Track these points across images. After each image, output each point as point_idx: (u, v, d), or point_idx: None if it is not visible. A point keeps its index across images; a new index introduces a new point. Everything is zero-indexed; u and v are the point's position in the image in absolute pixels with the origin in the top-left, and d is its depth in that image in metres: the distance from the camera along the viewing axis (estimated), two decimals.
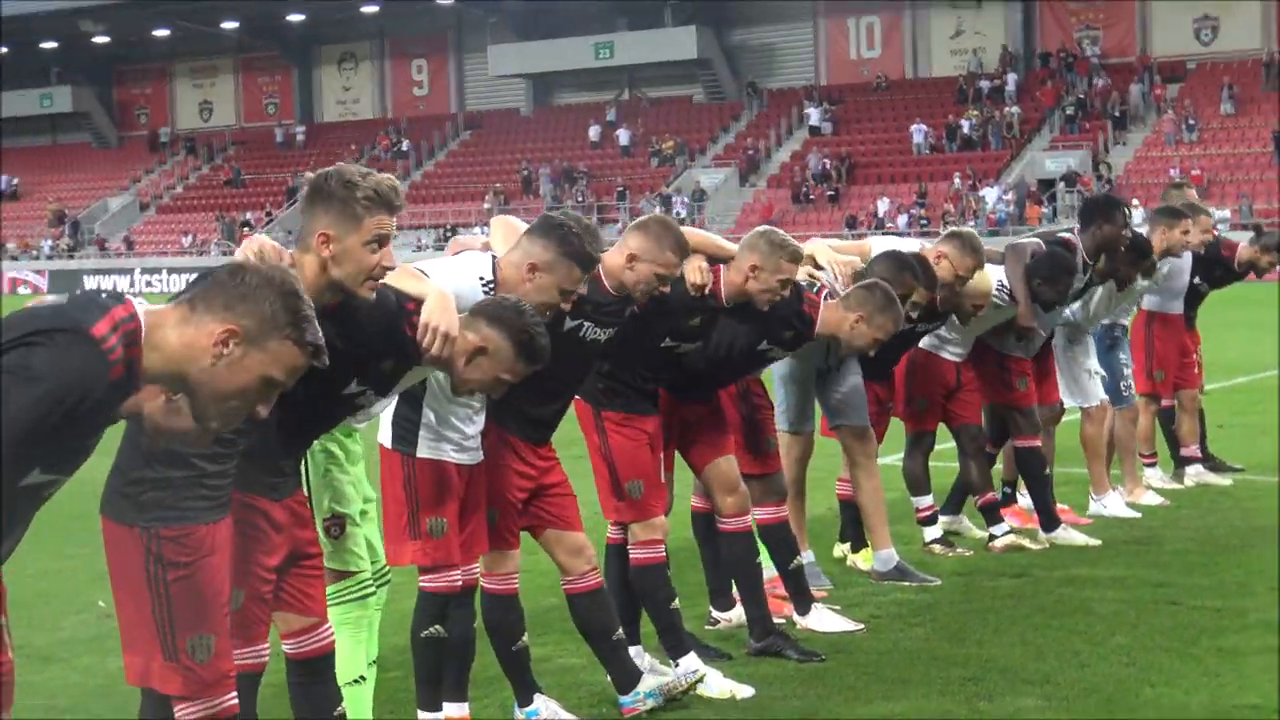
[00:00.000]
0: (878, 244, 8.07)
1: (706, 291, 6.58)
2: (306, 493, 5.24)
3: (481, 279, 5.51)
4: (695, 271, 6.52)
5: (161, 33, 57.41)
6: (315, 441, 5.33)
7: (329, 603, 5.24)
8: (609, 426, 6.59)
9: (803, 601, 7.42)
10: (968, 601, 7.72)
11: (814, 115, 53.84)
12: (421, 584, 5.83)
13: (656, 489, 6.66)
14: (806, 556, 8.07)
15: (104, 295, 3.58)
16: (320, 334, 3.74)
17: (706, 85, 55.05)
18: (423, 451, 5.77)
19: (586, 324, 6.12)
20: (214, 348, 3.60)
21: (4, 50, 58.75)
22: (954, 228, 8.88)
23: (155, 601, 4.43)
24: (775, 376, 8.18)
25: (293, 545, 4.96)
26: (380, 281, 4.77)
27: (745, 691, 6.35)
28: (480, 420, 5.93)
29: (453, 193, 56.52)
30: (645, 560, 6.57)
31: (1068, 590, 7.86)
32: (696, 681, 6.33)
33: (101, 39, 56.37)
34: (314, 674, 5.08)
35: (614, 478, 6.57)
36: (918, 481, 8.99)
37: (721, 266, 6.68)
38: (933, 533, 8.94)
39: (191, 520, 4.47)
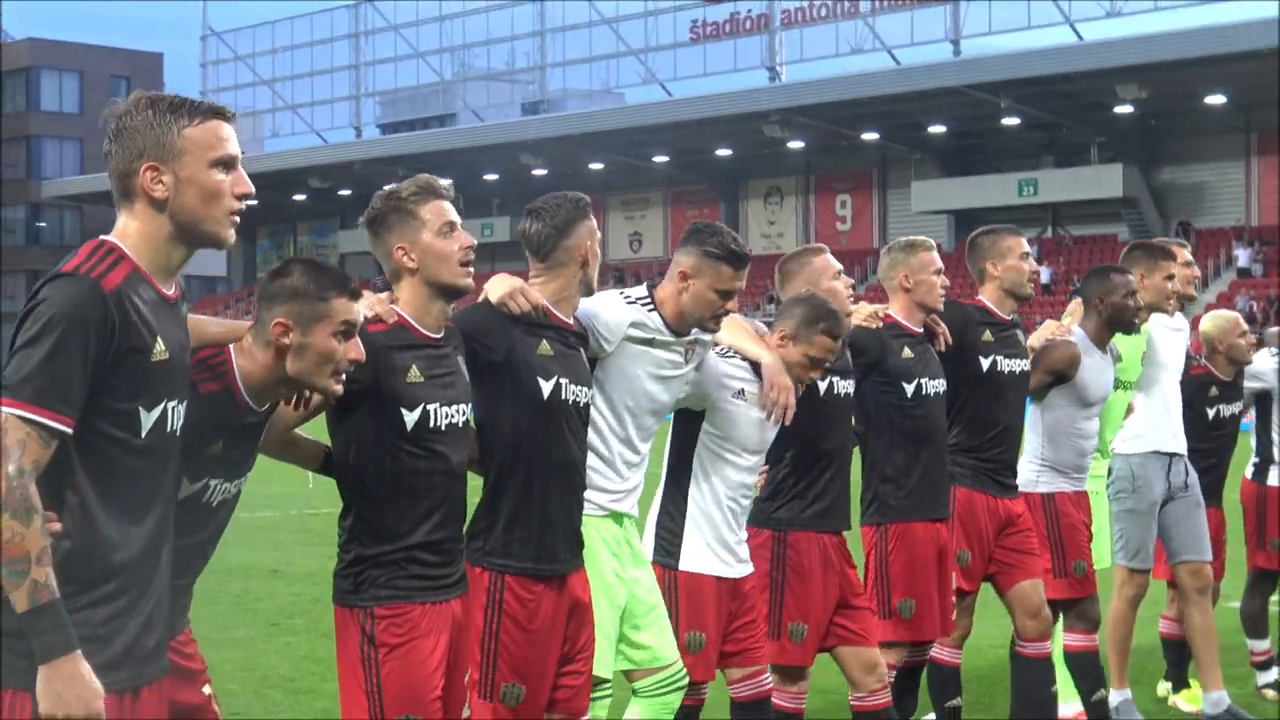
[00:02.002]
0: None
1: (883, 322, 6.65)
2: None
3: (626, 297, 5.59)
4: (864, 316, 6.67)
5: (596, 166, 59.65)
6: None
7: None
8: (891, 543, 6.60)
9: None
10: None
11: (1243, 256, 52.00)
12: None
13: (931, 608, 6.60)
14: (1124, 694, 7.88)
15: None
16: (201, 100, 3.77)
17: (1132, 224, 53.79)
18: (685, 564, 5.88)
19: (833, 379, 6.22)
20: (153, 193, 3.65)
21: (457, 185, 61.84)
22: None
23: (368, 682, 4.52)
24: (1114, 510, 8.00)
25: (570, 633, 5.12)
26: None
27: None
28: (743, 532, 5.99)
29: None
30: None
31: None
32: None
33: (539, 171, 58.94)
34: None
35: (884, 594, 6.53)
36: (1256, 624, 8.65)
37: (889, 310, 6.81)
38: (1266, 677, 8.57)
39: (405, 599, 4.57)
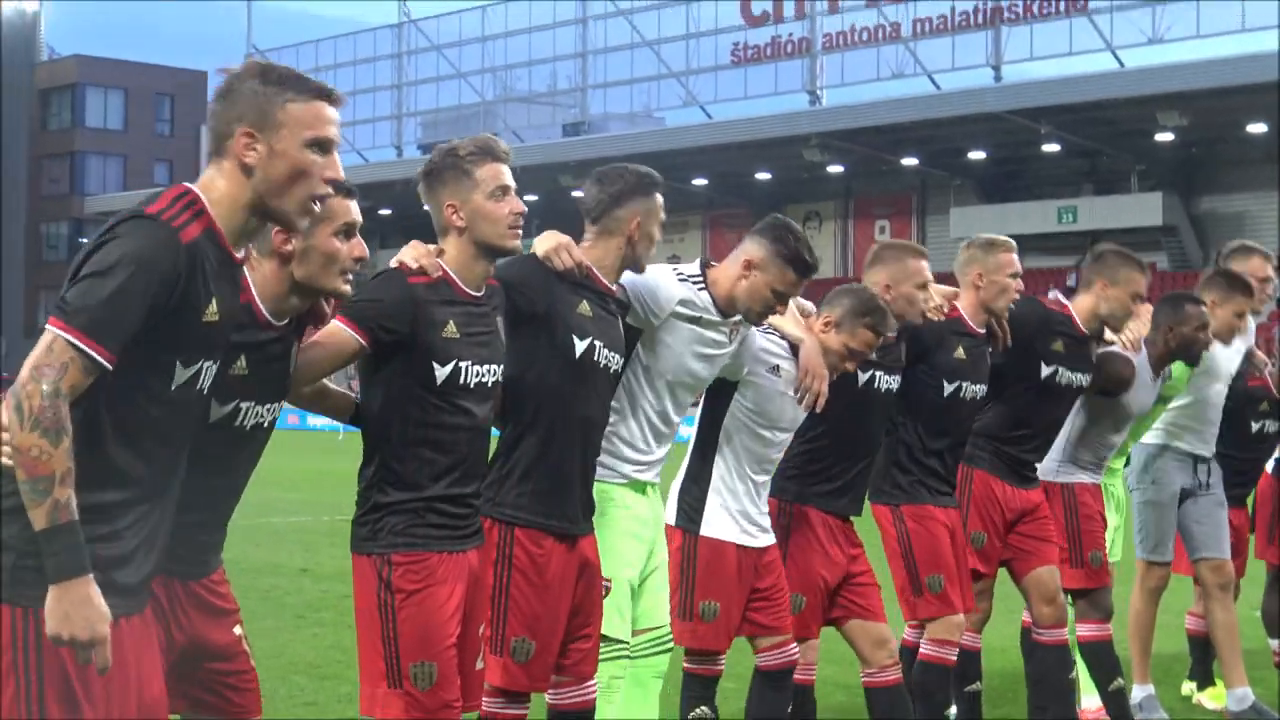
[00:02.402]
0: None
1: (946, 314, 6.58)
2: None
3: (679, 273, 5.62)
4: (932, 303, 6.56)
5: None
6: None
7: None
8: (909, 523, 6.62)
9: None
10: None
11: None
12: (685, 665, 5.92)
13: (955, 584, 6.63)
14: (1147, 690, 7.87)
15: (163, 186, 3.76)
16: (314, 79, 3.77)
17: (1171, 252, 53.66)
18: (706, 530, 5.91)
19: (877, 373, 6.22)
20: (244, 158, 3.68)
21: None
22: None
23: (384, 628, 4.58)
24: (1135, 502, 8.02)
25: (579, 596, 5.16)
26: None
27: None
28: (765, 502, 6.02)
29: None
30: (933, 659, 6.53)
31: None
32: None
33: (579, 193, 58.90)
34: None
35: (913, 573, 6.57)
36: (1275, 623, 8.63)
37: (957, 304, 6.71)
38: None
39: (423, 548, 4.62)
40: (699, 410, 6.06)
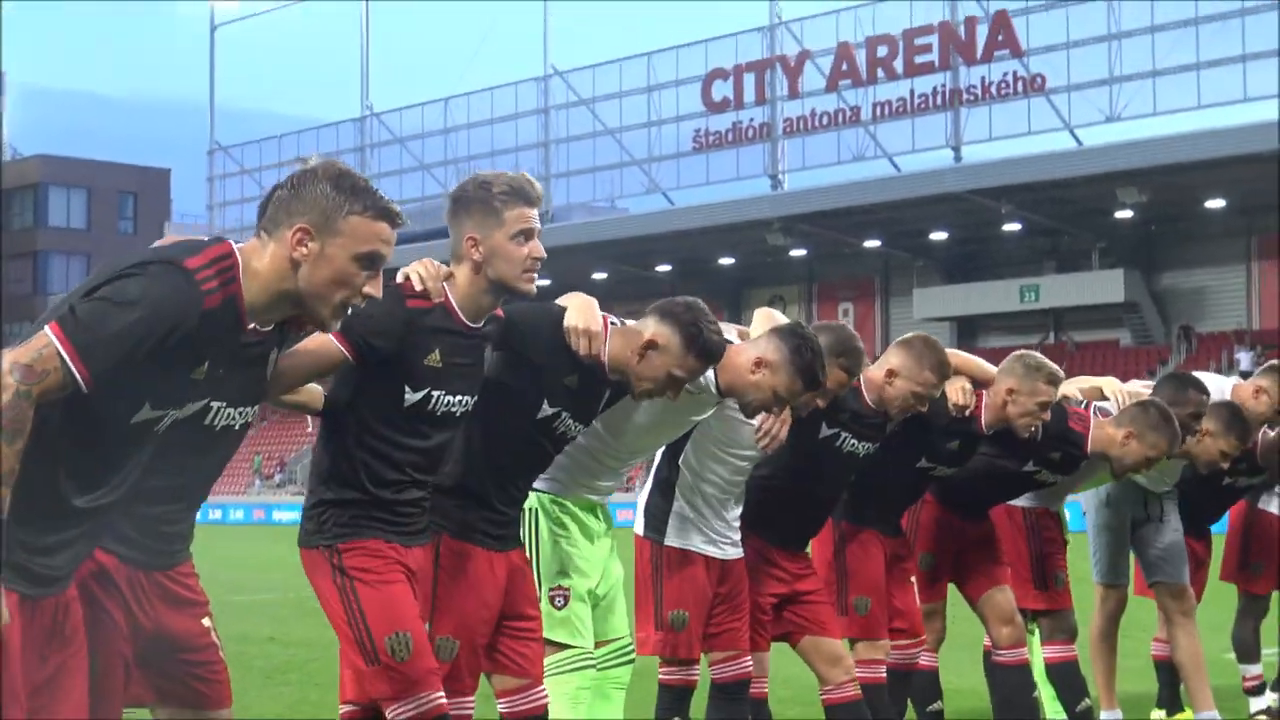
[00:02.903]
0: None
1: (968, 413, 6.62)
2: (530, 555, 5.38)
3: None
4: (958, 392, 6.61)
5: (600, 275, 59.98)
6: (544, 512, 5.48)
7: (547, 673, 5.28)
8: (847, 539, 6.66)
9: None
10: None
11: (1244, 360, 52.12)
12: (660, 675, 5.94)
13: (884, 608, 6.66)
14: (1114, 715, 7.90)
15: (205, 239, 3.78)
16: (384, 196, 3.86)
17: (1134, 328, 54.01)
18: (671, 540, 5.94)
19: (844, 434, 6.23)
20: (294, 252, 3.77)
21: None
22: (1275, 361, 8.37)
23: (348, 612, 4.61)
24: (1090, 526, 8.09)
25: (510, 601, 5.12)
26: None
27: None
28: (735, 515, 6.04)
29: None
30: (868, 680, 6.52)
31: None
32: None
33: (544, 281, 59.09)
34: None
35: (842, 591, 6.58)
36: (1247, 649, 8.69)
37: (984, 392, 6.72)
38: (1259, 703, 8.57)
39: (368, 536, 4.65)
40: None
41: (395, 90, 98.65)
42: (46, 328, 3.49)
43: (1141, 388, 7.73)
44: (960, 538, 7.08)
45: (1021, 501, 7.36)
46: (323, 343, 4.54)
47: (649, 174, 58.90)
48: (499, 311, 4.92)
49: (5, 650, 3.54)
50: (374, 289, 3.85)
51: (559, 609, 5.47)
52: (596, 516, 5.69)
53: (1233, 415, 7.55)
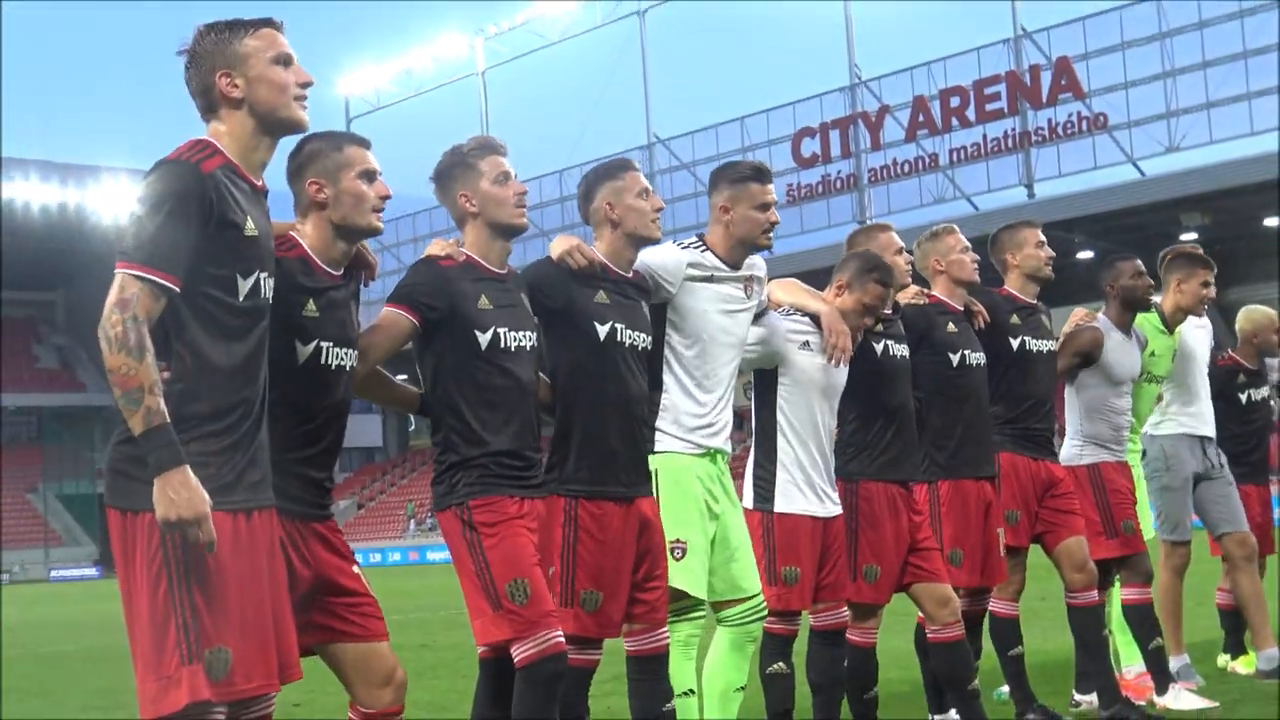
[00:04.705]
0: None
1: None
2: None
3: (680, 244, 5.75)
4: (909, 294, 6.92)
5: None
6: (663, 469, 5.51)
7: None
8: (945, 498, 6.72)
9: (1162, 681, 7.31)
10: None
11: None
12: (766, 626, 5.96)
13: (981, 554, 6.74)
14: (1182, 659, 7.92)
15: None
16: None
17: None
18: (780, 507, 6.04)
19: (887, 342, 6.37)
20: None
21: None
22: None
23: (476, 563, 4.73)
24: (1151, 489, 8.10)
25: (642, 551, 5.25)
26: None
27: None
28: (830, 470, 6.13)
29: None
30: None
31: None
32: None
33: None
34: (649, 672, 5.27)
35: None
36: None
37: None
38: None
39: (495, 492, 4.78)
40: (753, 405, 6.20)
41: (513, 163, 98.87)
42: (116, 268, 3.77)
43: None
44: (1037, 480, 7.05)
45: (1088, 458, 7.38)
46: (388, 316, 4.83)
47: None
48: (511, 269, 5.10)
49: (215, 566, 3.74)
50: (302, 75, 4.14)
51: (678, 560, 5.49)
52: (716, 465, 5.66)
53: (1185, 256, 7.83)
